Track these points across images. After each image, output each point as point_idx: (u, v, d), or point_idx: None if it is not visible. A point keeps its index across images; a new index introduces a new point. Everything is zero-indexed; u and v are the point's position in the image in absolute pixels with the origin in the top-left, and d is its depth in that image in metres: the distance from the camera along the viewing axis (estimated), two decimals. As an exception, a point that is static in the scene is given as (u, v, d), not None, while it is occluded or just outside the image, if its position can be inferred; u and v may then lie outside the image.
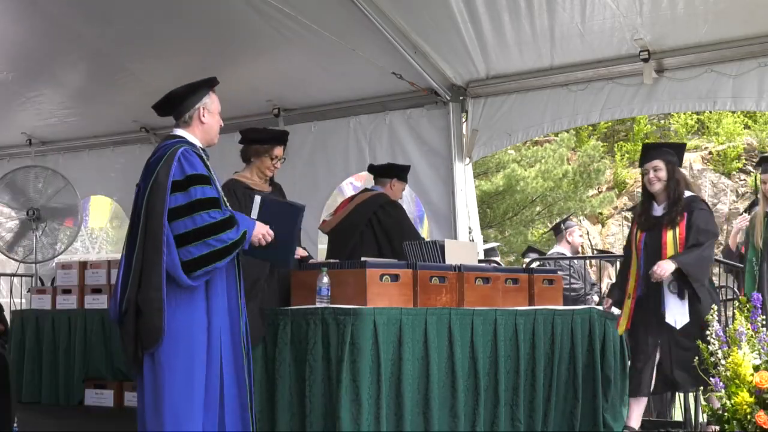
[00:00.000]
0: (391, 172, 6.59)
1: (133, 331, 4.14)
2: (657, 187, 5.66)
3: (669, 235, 5.55)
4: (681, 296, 5.51)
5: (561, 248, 8.24)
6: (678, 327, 5.47)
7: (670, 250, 5.51)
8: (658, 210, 5.69)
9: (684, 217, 5.56)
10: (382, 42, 7.10)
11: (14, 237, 8.70)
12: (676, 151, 5.79)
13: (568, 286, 7.64)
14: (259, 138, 5.43)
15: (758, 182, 6.38)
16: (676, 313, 5.51)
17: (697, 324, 5.34)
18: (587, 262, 8.20)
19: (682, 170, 5.86)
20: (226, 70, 7.18)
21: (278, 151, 5.39)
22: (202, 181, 4.21)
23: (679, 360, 5.48)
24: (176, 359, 4.11)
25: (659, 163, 5.67)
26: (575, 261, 8.06)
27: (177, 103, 4.38)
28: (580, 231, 8.20)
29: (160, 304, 4.07)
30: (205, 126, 4.38)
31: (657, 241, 5.57)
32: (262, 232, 4.30)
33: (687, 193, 5.66)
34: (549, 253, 8.70)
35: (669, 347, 5.54)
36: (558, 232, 8.42)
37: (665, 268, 5.42)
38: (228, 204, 4.38)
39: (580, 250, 8.19)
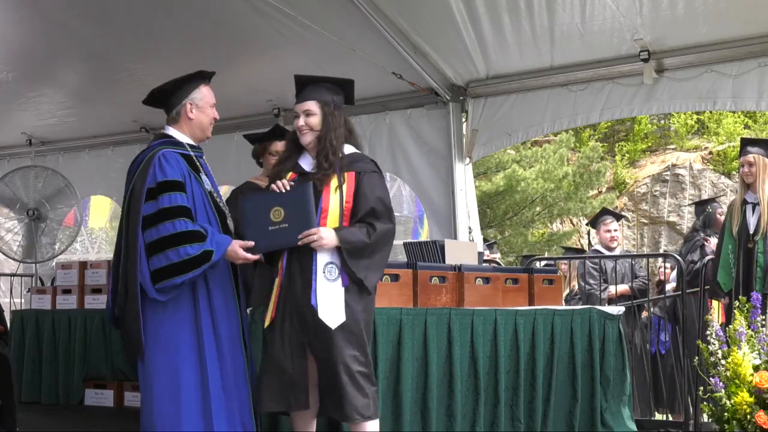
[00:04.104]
0: None
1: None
2: (308, 138, 4.19)
3: (334, 201, 4.08)
4: (342, 282, 4.01)
5: (597, 246, 8.29)
6: (333, 326, 3.95)
7: (332, 223, 4.06)
8: (308, 162, 4.23)
9: (349, 180, 4.12)
10: (382, 42, 7.10)
11: (23, 239, 8.70)
12: (343, 88, 4.31)
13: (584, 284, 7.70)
14: (256, 137, 5.48)
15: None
16: (331, 309, 3.98)
17: (358, 333, 4.00)
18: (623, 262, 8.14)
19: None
20: (226, 70, 7.18)
21: (278, 146, 5.35)
22: (173, 188, 4.12)
23: (332, 385, 4.01)
24: (163, 366, 4.09)
25: (312, 106, 4.22)
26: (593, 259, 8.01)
27: (163, 99, 4.32)
28: (607, 227, 8.17)
29: (136, 315, 4.04)
30: (193, 122, 4.29)
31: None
32: (240, 258, 4.10)
33: (349, 149, 4.24)
34: (589, 251, 8.78)
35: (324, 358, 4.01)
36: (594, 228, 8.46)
37: (326, 238, 3.99)
38: (225, 207, 4.36)
39: (614, 246, 8.17)
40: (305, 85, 4.29)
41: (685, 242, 8.38)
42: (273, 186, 4.13)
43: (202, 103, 4.32)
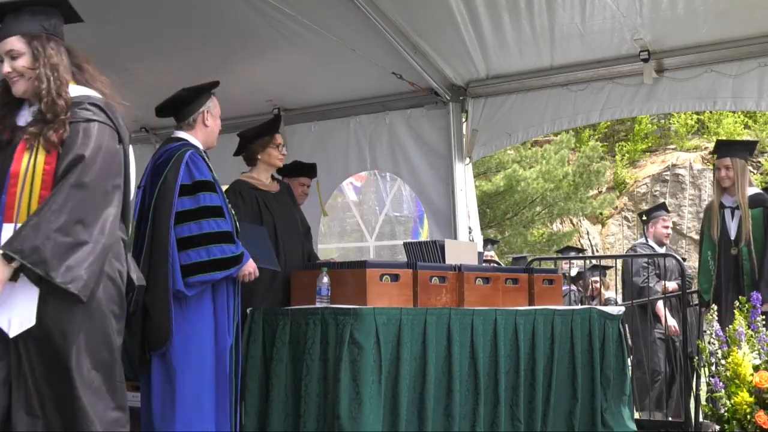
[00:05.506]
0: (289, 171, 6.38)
1: (140, 332, 4.20)
2: (20, 87, 3.28)
3: (25, 164, 3.10)
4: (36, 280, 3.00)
5: (648, 241, 8.18)
6: (11, 333, 2.99)
7: (19, 193, 3.09)
8: (25, 115, 3.29)
9: (61, 137, 3.15)
10: (382, 42, 7.10)
11: None
12: (57, 6, 3.46)
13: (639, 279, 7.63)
14: (261, 132, 5.48)
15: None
16: (14, 309, 3.01)
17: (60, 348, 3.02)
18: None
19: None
20: (226, 70, 7.18)
21: (279, 138, 5.47)
22: (210, 188, 4.30)
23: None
24: (188, 359, 4.21)
25: (16, 43, 3.27)
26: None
27: (182, 106, 4.48)
28: (665, 222, 8.08)
29: (167, 305, 4.17)
30: (207, 129, 4.51)
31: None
32: (249, 269, 4.39)
33: (78, 91, 3.41)
34: (633, 245, 8.66)
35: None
36: (644, 224, 8.33)
37: None
38: (231, 207, 4.47)
39: (666, 242, 8.08)
40: (3, 17, 3.28)
41: None
42: None
43: (215, 112, 4.57)
